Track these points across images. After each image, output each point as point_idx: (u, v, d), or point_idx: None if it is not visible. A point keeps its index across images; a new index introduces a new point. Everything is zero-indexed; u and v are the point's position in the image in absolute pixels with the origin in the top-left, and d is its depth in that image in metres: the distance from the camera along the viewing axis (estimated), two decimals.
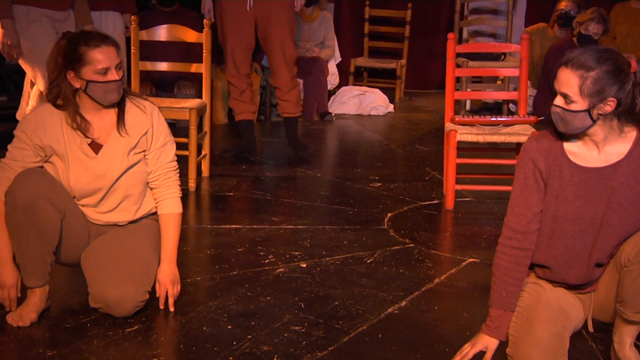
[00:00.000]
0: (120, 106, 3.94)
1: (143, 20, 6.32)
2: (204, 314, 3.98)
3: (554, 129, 3.43)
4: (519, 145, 5.81)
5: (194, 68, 6.34)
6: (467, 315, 4.10)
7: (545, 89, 8.32)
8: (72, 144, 3.87)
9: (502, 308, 3.45)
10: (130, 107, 3.98)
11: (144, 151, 4.00)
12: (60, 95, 3.85)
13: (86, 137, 3.88)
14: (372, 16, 10.03)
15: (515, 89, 6.85)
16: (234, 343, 3.73)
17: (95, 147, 3.91)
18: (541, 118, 7.13)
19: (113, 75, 3.81)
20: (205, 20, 6.19)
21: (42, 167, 3.93)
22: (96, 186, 3.92)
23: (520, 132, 5.62)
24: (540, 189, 3.44)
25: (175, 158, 4.13)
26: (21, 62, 5.51)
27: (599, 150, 3.37)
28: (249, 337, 3.78)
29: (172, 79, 7.78)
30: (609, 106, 3.27)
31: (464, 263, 4.79)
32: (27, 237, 3.73)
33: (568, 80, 3.30)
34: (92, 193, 3.95)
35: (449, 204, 5.73)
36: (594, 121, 3.28)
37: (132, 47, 6.13)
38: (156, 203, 4.08)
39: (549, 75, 8.25)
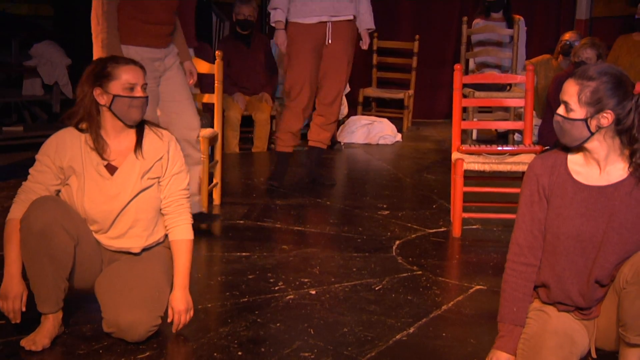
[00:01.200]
0: (139, 129, 3.97)
1: None
2: (214, 340, 3.95)
3: (560, 148, 3.51)
4: (524, 174, 5.78)
5: (206, 98, 6.36)
6: (475, 342, 4.06)
7: (550, 119, 8.21)
8: (89, 164, 3.89)
9: (513, 323, 3.45)
10: (148, 133, 4.01)
11: (157, 177, 4.00)
12: (84, 118, 3.89)
13: (103, 158, 3.90)
14: (381, 48, 10.07)
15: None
16: None
17: (111, 169, 3.92)
18: (546, 148, 7.11)
19: (139, 92, 3.87)
20: (217, 52, 6.18)
21: (59, 191, 3.96)
22: (109, 207, 3.91)
23: (525, 162, 5.59)
24: (544, 207, 3.47)
25: (188, 187, 4.14)
26: None
27: (600, 170, 3.38)
28: None
29: None
30: (606, 119, 3.28)
31: (471, 290, 4.76)
32: (41, 264, 3.71)
33: (569, 89, 3.39)
34: (104, 215, 3.93)
35: (456, 231, 5.71)
36: (592, 133, 3.30)
37: None
38: (167, 230, 4.06)
39: (552, 105, 8.25)
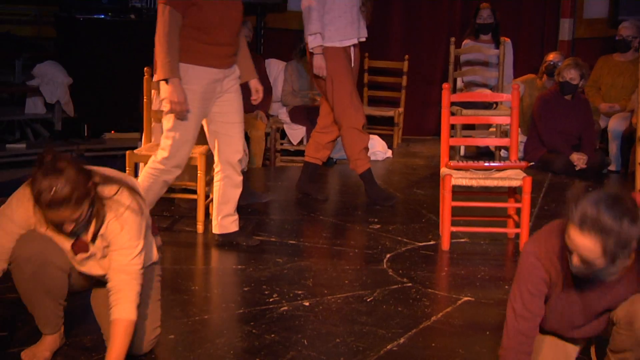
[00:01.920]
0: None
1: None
2: (211, 351, 3.94)
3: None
4: (510, 188, 5.80)
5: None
6: (464, 352, 4.06)
7: (535, 136, 8.33)
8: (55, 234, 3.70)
9: None
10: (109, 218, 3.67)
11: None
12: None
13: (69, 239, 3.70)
14: (371, 67, 10.06)
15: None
16: None
17: (78, 247, 3.70)
18: (531, 163, 7.16)
19: (69, 226, 3.50)
20: None
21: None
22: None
23: (511, 177, 5.60)
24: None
25: (137, 260, 3.63)
26: (166, 117, 5.31)
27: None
28: None
29: None
30: (630, 259, 3.06)
31: (460, 302, 4.75)
32: (39, 299, 3.67)
33: (589, 246, 2.96)
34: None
35: (445, 245, 5.70)
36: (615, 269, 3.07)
37: (144, 97, 6.13)
38: (110, 306, 3.61)
39: (537, 123, 8.27)
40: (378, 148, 8.93)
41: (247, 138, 8.31)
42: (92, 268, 3.72)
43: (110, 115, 8.88)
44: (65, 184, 3.33)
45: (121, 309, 3.50)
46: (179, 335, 4.04)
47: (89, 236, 3.65)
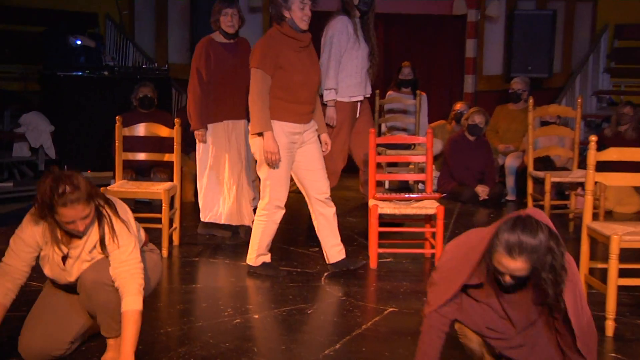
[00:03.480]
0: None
1: (126, 119, 6.29)
2: (174, 358, 3.90)
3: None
4: (426, 216, 5.85)
5: (167, 157, 6.30)
6: (389, 355, 4.05)
7: (446, 171, 8.41)
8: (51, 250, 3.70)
9: None
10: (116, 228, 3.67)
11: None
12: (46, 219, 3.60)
13: (60, 250, 3.67)
14: None
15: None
16: None
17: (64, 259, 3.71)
18: (443, 194, 7.21)
19: (82, 225, 3.52)
20: (176, 119, 6.15)
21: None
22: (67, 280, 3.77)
23: (427, 206, 5.65)
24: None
25: (134, 254, 3.64)
26: (261, 170, 5.26)
27: None
28: None
29: (149, 165, 7.72)
30: (549, 275, 3.07)
31: (386, 312, 4.75)
32: None
33: (520, 266, 2.98)
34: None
35: (373, 264, 5.71)
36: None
37: (116, 141, 6.08)
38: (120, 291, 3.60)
39: (448, 161, 8.35)
40: None
41: None
42: (78, 269, 3.68)
43: (87, 157, 8.79)
44: (78, 183, 3.42)
45: (129, 302, 3.49)
46: (146, 346, 3.97)
47: (87, 242, 3.65)
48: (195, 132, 6.21)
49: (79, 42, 8.98)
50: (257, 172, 5.34)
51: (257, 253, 5.33)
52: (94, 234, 3.66)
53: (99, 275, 3.59)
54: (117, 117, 6.21)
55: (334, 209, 5.50)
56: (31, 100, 9.34)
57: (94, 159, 8.71)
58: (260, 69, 5.05)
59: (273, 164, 5.12)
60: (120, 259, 3.59)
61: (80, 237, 3.63)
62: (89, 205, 3.49)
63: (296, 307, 4.84)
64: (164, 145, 6.66)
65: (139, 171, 7.80)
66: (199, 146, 6.31)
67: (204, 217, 6.37)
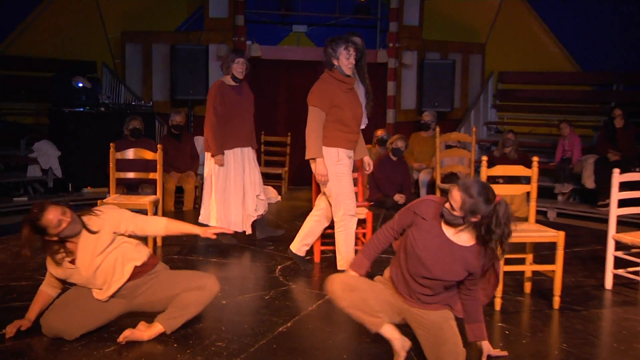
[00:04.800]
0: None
1: (118, 146, 6.22)
2: (158, 336, 3.81)
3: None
4: (359, 220, 5.81)
5: (152, 175, 6.23)
6: (330, 330, 4.06)
7: (373, 185, 8.41)
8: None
9: (366, 257, 3.67)
10: (87, 221, 3.78)
11: (113, 234, 3.82)
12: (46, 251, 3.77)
13: (68, 262, 3.78)
14: (266, 140, 10.04)
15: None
16: (178, 355, 3.58)
17: (73, 261, 3.78)
18: (371, 202, 7.23)
19: (64, 224, 3.64)
20: (158, 145, 6.09)
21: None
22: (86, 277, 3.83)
23: (359, 212, 5.62)
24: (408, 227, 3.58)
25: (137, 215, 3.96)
26: (325, 187, 5.18)
27: (455, 232, 3.45)
28: (188, 351, 3.68)
29: (137, 182, 7.62)
30: (476, 219, 3.34)
31: (327, 296, 4.68)
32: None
33: (456, 197, 3.32)
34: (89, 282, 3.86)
35: (317, 258, 5.70)
36: (464, 222, 3.38)
37: (110, 163, 6.00)
38: (152, 229, 4.00)
39: (375, 175, 8.38)
40: (272, 195, 8.87)
41: (182, 190, 8.18)
42: (90, 264, 3.76)
43: (87, 176, 8.67)
44: (49, 202, 3.67)
45: (158, 219, 4.07)
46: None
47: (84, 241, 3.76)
48: (215, 158, 6.07)
49: (80, 85, 8.87)
50: (325, 191, 5.24)
51: (345, 260, 5.20)
52: (85, 234, 3.75)
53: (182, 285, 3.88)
54: (111, 144, 6.14)
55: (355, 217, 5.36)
56: (42, 131, 9.23)
57: (93, 178, 8.60)
58: (317, 107, 5.03)
59: (323, 184, 5.12)
60: (135, 223, 3.88)
61: (75, 236, 3.72)
62: (66, 210, 3.66)
63: (256, 294, 4.82)
64: (149, 166, 6.60)
65: (129, 187, 7.70)
66: (212, 168, 6.14)
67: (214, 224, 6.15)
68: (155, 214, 5.98)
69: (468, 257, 3.43)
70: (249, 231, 6.22)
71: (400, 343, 3.39)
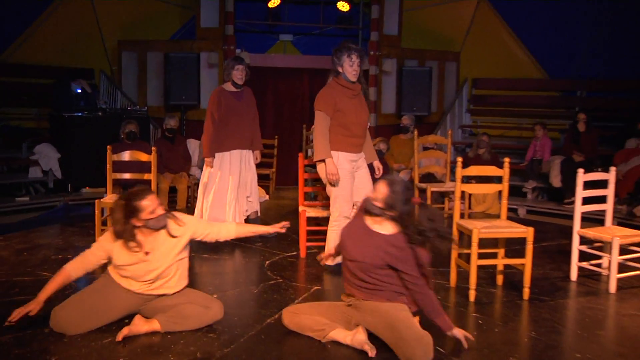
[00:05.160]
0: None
1: (115, 148, 6.17)
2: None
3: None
4: None
5: (146, 176, 6.18)
6: None
7: None
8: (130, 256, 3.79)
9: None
10: (172, 222, 3.84)
11: (184, 244, 3.88)
12: (126, 234, 3.72)
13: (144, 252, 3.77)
14: None
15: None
16: (172, 346, 3.57)
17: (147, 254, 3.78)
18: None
19: (157, 212, 3.71)
20: (153, 148, 6.05)
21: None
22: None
23: None
24: None
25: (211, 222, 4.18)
26: (327, 188, 5.12)
27: (375, 222, 3.66)
28: (182, 342, 3.65)
29: (133, 182, 7.55)
30: (393, 213, 3.56)
31: (312, 290, 4.73)
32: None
33: (381, 190, 3.58)
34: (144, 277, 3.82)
35: (302, 254, 5.69)
36: (383, 214, 3.59)
37: (107, 164, 5.95)
38: (225, 234, 4.08)
39: None
40: (260, 194, 8.85)
41: (175, 190, 8.14)
42: (160, 260, 3.77)
43: (86, 177, 8.62)
44: (150, 191, 3.76)
45: (228, 224, 4.19)
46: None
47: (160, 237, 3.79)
48: (206, 159, 6.08)
49: (79, 90, 8.81)
50: (327, 192, 5.18)
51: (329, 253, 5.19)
52: (163, 233, 3.78)
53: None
54: (108, 146, 6.09)
55: None
56: (42, 134, 9.18)
57: (91, 178, 8.56)
58: (322, 111, 5.00)
59: (334, 183, 5.05)
60: (202, 224, 4.01)
61: (157, 230, 3.75)
62: (157, 198, 3.74)
63: (246, 287, 4.80)
64: (144, 167, 6.54)
65: (125, 187, 7.60)
66: (207, 170, 6.16)
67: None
68: None
69: (385, 243, 3.57)
70: None
71: (350, 339, 3.56)
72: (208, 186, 6.15)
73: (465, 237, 4.97)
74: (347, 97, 5.03)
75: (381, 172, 5.32)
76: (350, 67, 4.97)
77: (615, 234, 4.92)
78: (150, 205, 3.65)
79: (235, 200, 6.15)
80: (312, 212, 5.67)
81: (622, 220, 7.37)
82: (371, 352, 3.45)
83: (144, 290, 3.80)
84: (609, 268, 4.95)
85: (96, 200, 5.81)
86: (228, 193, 6.13)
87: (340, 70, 5.02)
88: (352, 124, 5.03)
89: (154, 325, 3.73)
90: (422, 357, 3.32)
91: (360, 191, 5.13)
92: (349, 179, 5.10)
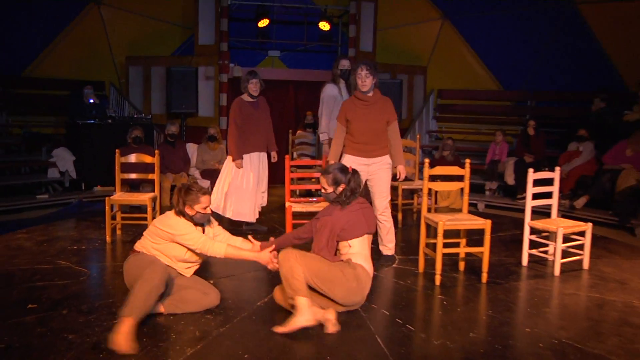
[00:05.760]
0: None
1: (123, 151, 6.16)
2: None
3: None
4: None
5: (150, 176, 6.16)
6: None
7: None
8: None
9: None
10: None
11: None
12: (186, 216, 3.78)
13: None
14: None
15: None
16: (173, 325, 3.53)
17: None
18: None
19: (205, 212, 3.79)
20: (156, 151, 6.02)
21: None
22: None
23: (323, 206, 5.63)
24: None
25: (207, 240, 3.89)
26: None
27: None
28: (182, 322, 3.61)
29: (139, 182, 7.51)
30: (342, 187, 3.80)
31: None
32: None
33: (322, 180, 3.91)
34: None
35: None
36: (337, 194, 3.84)
37: (116, 166, 5.91)
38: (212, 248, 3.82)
39: None
40: None
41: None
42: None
43: (97, 177, 8.56)
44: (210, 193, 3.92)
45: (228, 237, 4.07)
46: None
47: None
48: (236, 162, 6.05)
49: (91, 101, 8.76)
50: None
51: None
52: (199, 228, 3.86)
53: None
54: (116, 150, 6.05)
55: (387, 222, 5.09)
56: (60, 140, 9.12)
57: (102, 178, 8.51)
58: (338, 122, 5.05)
59: None
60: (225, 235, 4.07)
61: (198, 225, 3.81)
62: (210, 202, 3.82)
63: (238, 275, 4.78)
64: (148, 168, 6.52)
65: (132, 186, 7.57)
66: (230, 168, 6.12)
67: (235, 217, 6.18)
68: (154, 208, 5.92)
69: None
70: (254, 219, 6.26)
71: (320, 315, 3.60)
72: (232, 183, 6.14)
73: (432, 229, 5.00)
74: (360, 107, 4.96)
75: (402, 177, 5.03)
76: (359, 79, 4.94)
77: (559, 225, 4.97)
78: (205, 202, 3.75)
79: (254, 196, 6.17)
80: (298, 207, 5.66)
81: (565, 212, 7.45)
82: (332, 328, 3.49)
83: (171, 264, 3.83)
84: (554, 254, 5.00)
85: (106, 198, 5.76)
86: (250, 190, 6.16)
87: (355, 83, 5.04)
88: (356, 131, 4.97)
89: (159, 308, 3.72)
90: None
91: (375, 195, 5.06)
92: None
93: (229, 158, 6.17)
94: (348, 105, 5.01)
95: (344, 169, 3.92)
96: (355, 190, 3.88)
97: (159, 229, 3.75)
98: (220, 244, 3.78)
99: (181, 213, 3.77)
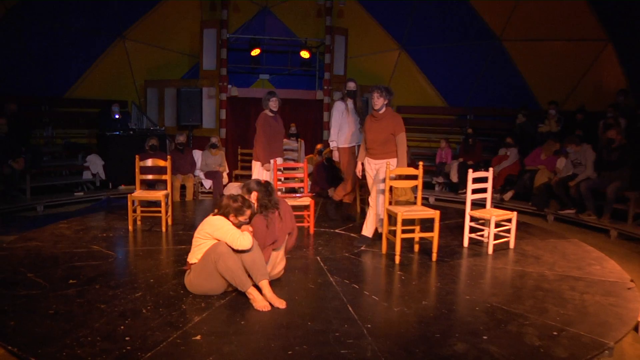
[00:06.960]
0: None
1: (141, 157, 6.08)
2: (179, 288, 3.67)
3: None
4: (305, 205, 5.80)
5: (164, 177, 6.07)
6: (294, 278, 3.95)
7: (314, 182, 8.33)
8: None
9: None
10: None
11: None
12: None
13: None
14: (242, 152, 9.80)
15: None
16: (180, 303, 3.47)
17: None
18: (313, 194, 7.17)
19: (244, 220, 3.67)
20: (168, 156, 5.94)
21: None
22: None
23: (305, 201, 5.64)
24: None
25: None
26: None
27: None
28: (187, 302, 3.53)
29: (154, 182, 7.43)
30: (255, 195, 3.72)
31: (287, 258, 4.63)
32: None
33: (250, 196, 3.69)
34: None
35: None
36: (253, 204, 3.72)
37: (137, 169, 5.82)
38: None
39: (315, 176, 8.32)
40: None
41: (185, 186, 8.01)
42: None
43: (122, 177, 8.48)
44: (255, 213, 3.74)
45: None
46: (157, 280, 3.75)
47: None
48: (265, 166, 5.99)
49: (117, 116, 8.71)
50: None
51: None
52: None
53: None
54: (136, 155, 5.97)
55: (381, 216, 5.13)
56: (92, 148, 9.10)
57: (125, 178, 8.45)
58: (363, 132, 5.17)
59: (358, 174, 5.33)
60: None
61: (239, 223, 3.66)
62: (249, 214, 3.68)
63: None
64: (162, 170, 6.43)
65: (149, 185, 7.49)
66: (259, 172, 6.05)
67: None
68: (167, 203, 5.84)
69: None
70: None
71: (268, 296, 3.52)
72: None
73: (392, 218, 5.01)
74: (372, 122, 5.10)
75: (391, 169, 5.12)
76: (372, 100, 5.07)
77: (492, 214, 5.02)
78: (248, 215, 3.64)
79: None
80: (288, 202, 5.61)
81: (497, 204, 7.56)
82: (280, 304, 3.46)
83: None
84: (488, 237, 5.05)
85: (128, 195, 5.68)
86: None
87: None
88: (368, 139, 5.13)
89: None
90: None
91: (377, 191, 5.11)
92: (368, 175, 5.23)
93: (258, 164, 6.04)
94: (367, 120, 5.18)
95: (258, 181, 3.82)
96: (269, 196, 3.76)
97: (203, 230, 3.63)
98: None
99: (225, 216, 3.65)
